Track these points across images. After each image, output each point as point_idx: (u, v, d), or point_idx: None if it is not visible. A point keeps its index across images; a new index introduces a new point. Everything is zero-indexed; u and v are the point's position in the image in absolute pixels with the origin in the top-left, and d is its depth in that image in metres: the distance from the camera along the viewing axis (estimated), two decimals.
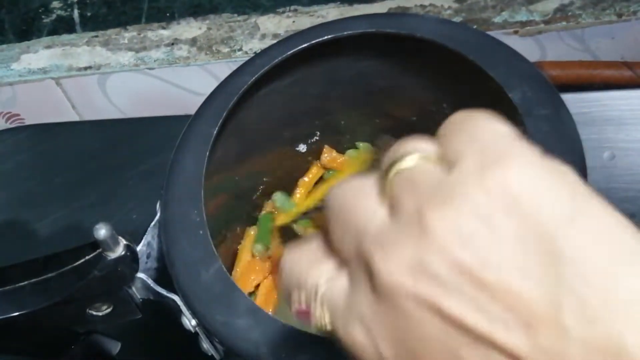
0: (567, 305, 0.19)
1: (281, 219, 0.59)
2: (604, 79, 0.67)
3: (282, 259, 0.25)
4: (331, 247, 0.24)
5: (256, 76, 0.46)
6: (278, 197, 0.59)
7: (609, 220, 0.20)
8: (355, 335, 0.22)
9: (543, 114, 0.40)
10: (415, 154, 0.23)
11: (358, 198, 0.23)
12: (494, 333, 0.20)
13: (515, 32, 0.69)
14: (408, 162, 0.23)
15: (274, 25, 0.75)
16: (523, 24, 0.69)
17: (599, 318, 0.19)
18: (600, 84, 0.67)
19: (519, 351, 0.19)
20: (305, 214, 0.58)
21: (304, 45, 0.47)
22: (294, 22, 0.74)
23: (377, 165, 0.24)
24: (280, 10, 0.74)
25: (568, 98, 0.42)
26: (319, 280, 0.24)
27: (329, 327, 0.23)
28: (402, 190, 0.22)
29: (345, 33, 0.47)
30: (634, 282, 0.19)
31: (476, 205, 0.20)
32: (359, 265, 0.22)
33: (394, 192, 0.22)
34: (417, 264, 0.20)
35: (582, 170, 0.39)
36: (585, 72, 0.67)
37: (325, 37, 0.47)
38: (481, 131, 0.22)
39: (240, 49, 0.77)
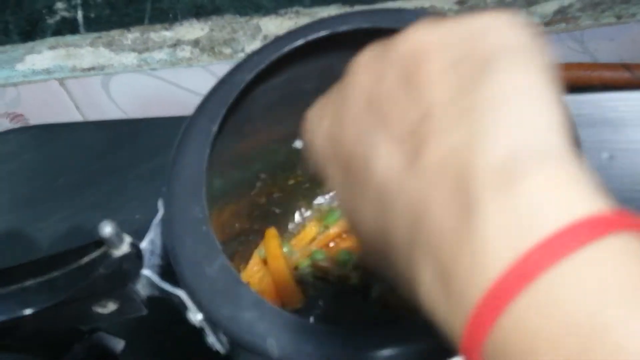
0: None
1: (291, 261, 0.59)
2: (603, 80, 0.68)
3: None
4: None
5: (254, 73, 0.47)
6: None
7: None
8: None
9: None
10: None
11: None
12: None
13: None
14: None
15: (276, 27, 0.75)
16: None
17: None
18: (599, 86, 0.68)
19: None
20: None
21: (300, 42, 0.47)
22: (296, 23, 0.74)
23: None
24: (282, 11, 0.74)
25: (567, 99, 0.42)
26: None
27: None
28: None
29: (341, 29, 0.47)
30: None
31: None
32: None
33: None
34: None
35: (574, 131, 0.39)
36: (585, 74, 0.68)
37: (322, 33, 0.47)
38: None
39: (242, 50, 0.77)
